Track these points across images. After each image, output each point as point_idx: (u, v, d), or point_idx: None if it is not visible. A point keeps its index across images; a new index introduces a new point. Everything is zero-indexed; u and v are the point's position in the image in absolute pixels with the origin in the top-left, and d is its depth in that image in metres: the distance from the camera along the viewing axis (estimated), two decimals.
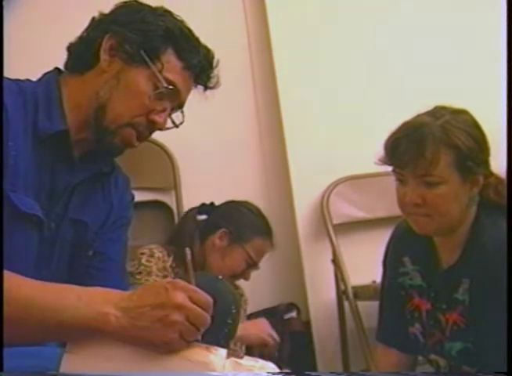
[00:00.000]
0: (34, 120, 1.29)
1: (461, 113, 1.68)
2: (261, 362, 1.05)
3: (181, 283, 1.03)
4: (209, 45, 1.43)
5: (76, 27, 1.40)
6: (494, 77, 2.18)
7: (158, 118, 1.35)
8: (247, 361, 1.05)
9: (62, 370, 1.00)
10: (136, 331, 0.99)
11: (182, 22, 1.40)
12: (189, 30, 1.40)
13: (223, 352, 1.03)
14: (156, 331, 0.99)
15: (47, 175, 1.31)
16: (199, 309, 1.01)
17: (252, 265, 2.25)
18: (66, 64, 1.40)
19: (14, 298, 1.01)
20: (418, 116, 1.67)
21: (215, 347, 1.03)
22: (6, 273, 1.02)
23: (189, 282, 1.05)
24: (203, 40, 1.42)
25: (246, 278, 2.27)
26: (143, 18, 1.36)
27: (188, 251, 1.18)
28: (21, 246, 1.20)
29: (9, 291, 1.00)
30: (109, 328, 1.00)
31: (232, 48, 2.66)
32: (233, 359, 1.04)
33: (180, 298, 1.00)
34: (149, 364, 1.00)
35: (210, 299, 1.04)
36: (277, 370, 1.05)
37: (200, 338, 1.04)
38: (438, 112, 1.66)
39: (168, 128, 1.40)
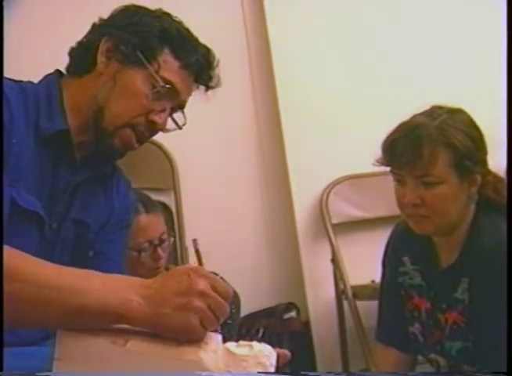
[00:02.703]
0: (35, 119, 1.30)
1: (457, 112, 1.68)
2: (256, 349, 1.02)
3: (203, 270, 1.02)
4: (207, 46, 1.43)
5: (76, 27, 1.41)
6: (494, 75, 2.18)
7: (158, 119, 1.35)
8: (241, 349, 1.03)
9: None
10: (158, 319, 0.97)
11: (179, 23, 1.41)
12: (187, 30, 1.41)
13: (215, 345, 1.01)
14: (178, 318, 0.97)
15: (48, 175, 1.32)
16: (220, 298, 0.99)
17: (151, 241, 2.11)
18: (68, 68, 1.41)
19: (35, 279, 0.98)
20: (415, 116, 1.67)
21: (206, 341, 1.01)
22: (26, 256, 1.01)
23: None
24: (202, 40, 1.43)
25: (156, 258, 2.10)
26: (139, 20, 1.37)
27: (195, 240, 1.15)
28: (21, 243, 1.19)
29: (29, 273, 0.98)
30: (132, 314, 0.97)
31: (231, 48, 2.66)
32: (227, 348, 1.03)
33: (202, 285, 0.98)
34: (139, 367, 0.99)
35: (230, 290, 1.02)
36: (273, 359, 1.02)
37: (219, 328, 1.03)
38: (434, 112, 1.66)
39: (169, 130, 1.41)
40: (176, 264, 2.51)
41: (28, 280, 0.97)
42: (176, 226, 2.59)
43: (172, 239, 2.21)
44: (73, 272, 1.02)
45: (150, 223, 2.15)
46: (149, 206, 2.16)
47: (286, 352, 1.07)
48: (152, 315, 0.97)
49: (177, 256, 2.59)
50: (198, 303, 0.97)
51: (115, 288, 0.99)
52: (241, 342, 1.04)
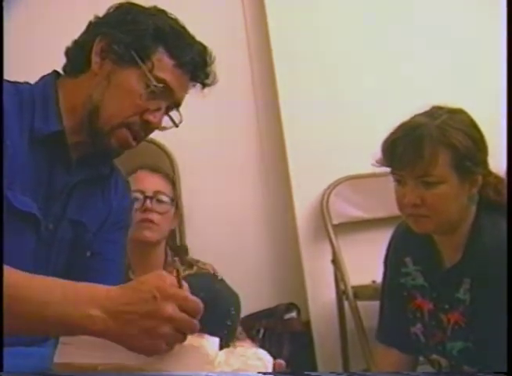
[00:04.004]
0: (30, 120, 1.30)
1: (458, 112, 1.68)
2: (253, 349, 1.05)
3: (170, 290, 0.99)
4: (208, 44, 1.42)
5: (75, 29, 1.41)
6: (494, 75, 2.18)
7: (152, 118, 1.35)
8: (239, 348, 1.06)
9: (56, 360, 1.00)
10: (124, 337, 0.98)
11: (174, 20, 1.40)
12: (183, 28, 1.40)
13: (215, 339, 1.04)
14: (144, 341, 0.97)
15: (44, 176, 1.31)
16: (188, 319, 0.99)
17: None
18: (65, 68, 1.41)
19: (6, 288, 0.99)
20: (415, 116, 1.67)
21: (207, 335, 1.03)
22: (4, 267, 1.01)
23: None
24: (202, 39, 1.42)
25: (143, 210, 2.15)
26: (133, 18, 1.36)
27: (176, 259, 1.17)
28: (17, 245, 1.19)
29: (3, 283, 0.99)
30: (95, 329, 0.98)
31: (232, 47, 2.66)
32: (226, 349, 1.05)
33: (169, 309, 0.97)
34: None
35: (200, 305, 1.01)
36: (269, 356, 1.05)
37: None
38: (434, 112, 1.66)
39: (166, 128, 1.40)
40: None
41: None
42: (177, 226, 2.58)
43: (174, 208, 2.24)
44: (38, 282, 1.03)
45: (148, 177, 2.21)
46: (154, 168, 2.22)
47: (282, 362, 1.08)
48: (117, 333, 0.97)
49: None
50: (164, 330, 0.97)
51: (76, 301, 0.99)
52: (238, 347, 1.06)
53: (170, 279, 1.01)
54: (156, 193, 2.19)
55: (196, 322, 1.00)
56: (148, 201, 2.15)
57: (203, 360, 1.00)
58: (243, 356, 1.03)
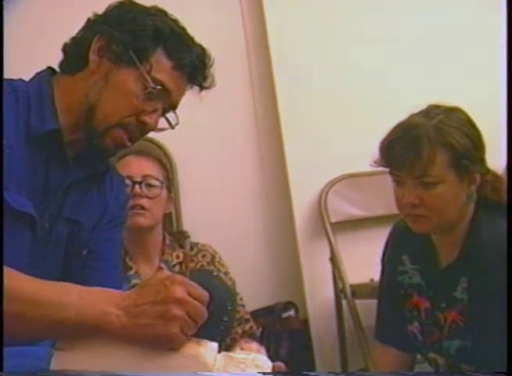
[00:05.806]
0: (26, 119, 1.29)
1: (454, 111, 1.68)
2: (252, 355, 1.06)
3: (179, 278, 1.04)
4: (206, 45, 1.42)
5: (75, 28, 1.40)
6: (494, 73, 2.18)
7: (148, 119, 1.34)
8: (239, 354, 1.06)
9: (52, 367, 1.01)
10: (138, 329, 1.00)
11: (175, 21, 1.39)
12: (182, 29, 1.39)
13: (214, 345, 1.04)
14: (158, 327, 0.99)
15: (41, 174, 1.31)
16: (198, 304, 1.02)
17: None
18: (61, 65, 1.40)
19: (16, 294, 1.01)
20: (411, 116, 1.67)
21: (205, 340, 1.04)
22: (7, 270, 1.03)
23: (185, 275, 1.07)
24: (200, 39, 1.41)
25: (132, 195, 2.10)
26: (133, 18, 1.35)
27: (188, 241, 1.17)
28: (13, 244, 1.19)
29: (11, 288, 1.01)
30: (111, 327, 1.00)
31: (230, 47, 2.66)
32: (224, 352, 1.05)
33: (180, 292, 1.01)
34: (140, 360, 1.01)
35: (206, 294, 1.05)
36: (269, 363, 1.06)
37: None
38: (431, 111, 1.66)
39: (163, 129, 1.40)
40: None
41: (10, 294, 1.00)
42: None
43: (165, 191, 2.19)
44: (53, 286, 1.06)
45: (136, 162, 2.16)
46: (141, 152, 2.16)
47: (281, 364, 1.09)
48: (131, 326, 1.00)
49: None
50: (177, 311, 1.00)
51: (92, 301, 1.02)
52: (238, 351, 1.07)
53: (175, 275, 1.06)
54: (145, 177, 2.14)
55: (204, 309, 1.03)
56: (137, 187, 2.11)
57: (202, 370, 1.01)
58: (242, 364, 1.04)
